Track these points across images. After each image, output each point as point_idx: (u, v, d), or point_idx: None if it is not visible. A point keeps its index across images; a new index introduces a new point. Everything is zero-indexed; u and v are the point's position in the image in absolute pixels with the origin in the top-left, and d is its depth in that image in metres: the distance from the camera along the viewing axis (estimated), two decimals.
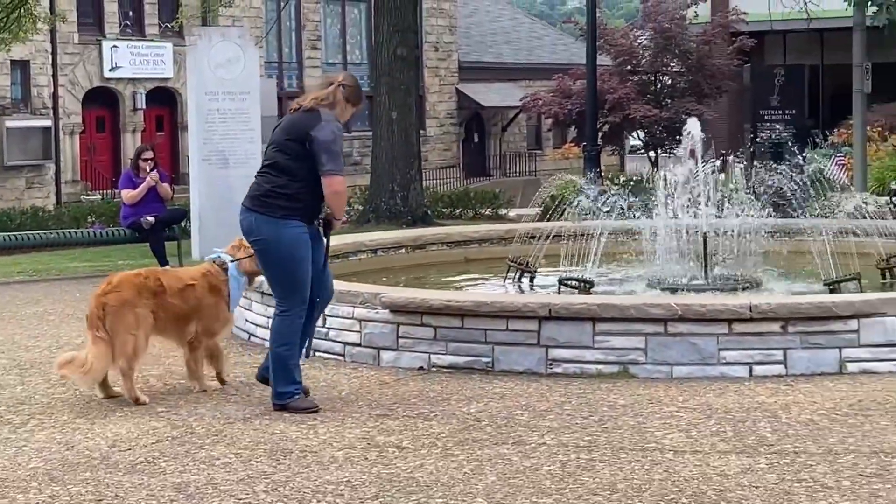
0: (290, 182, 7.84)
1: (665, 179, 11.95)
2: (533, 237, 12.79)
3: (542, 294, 11.08)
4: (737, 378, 8.55)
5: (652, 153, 34.48)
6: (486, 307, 9.00)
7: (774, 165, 13.72)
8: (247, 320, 10.52)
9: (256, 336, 10.35)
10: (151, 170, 15.85)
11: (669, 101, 34.06)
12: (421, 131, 39.95)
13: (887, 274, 11.62)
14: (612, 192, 13.07)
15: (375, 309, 9.36)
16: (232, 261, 8.61)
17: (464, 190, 27.31)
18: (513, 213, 23.26)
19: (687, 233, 11.77)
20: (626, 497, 6.07)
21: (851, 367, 8.60)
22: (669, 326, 8.64)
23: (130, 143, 35.49)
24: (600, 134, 31.80)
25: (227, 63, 17.57)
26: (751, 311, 8.58)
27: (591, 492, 6.16)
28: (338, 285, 9.84)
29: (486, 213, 23.65)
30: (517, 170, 42.94)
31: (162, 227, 15.83)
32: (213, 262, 8.70)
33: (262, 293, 10.12)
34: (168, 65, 37.95)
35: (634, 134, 36.25)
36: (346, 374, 9.00)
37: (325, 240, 8.13)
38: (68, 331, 11.30)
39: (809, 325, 8.60)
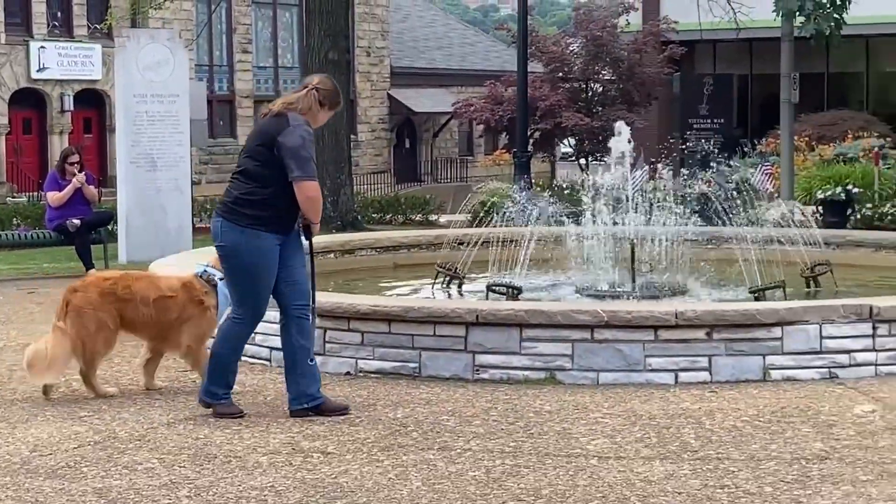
0: (258, 189, 7.70)
1: (594, 186, 12.01)
2: (462, 243, 12.81)
3: (469, 300, 11.09)
4: (662, 384, 8.60)
5: (583, 160, 34.68)
6: (414, 312, 8.99)
7: (702, 174, 13.85)
8: None
9: None
10: (79, 172, 15.69)
11: (600, 108, 34.30)
12: (352, 136, 39.90)
13: (812, 282, 11.75)
14: (544, 198, 13.13)
15: None
16: (221, 279, 8.46)
17: (394, 195, 27.27)
18: (443, 218, 23.26)
19: (615, 240, 11.84)
20: (550, 503, 6.07)
21: (775, 374, 8.67)
22: (596, 333, 8.66)
23: (58, 145, 35.14)
24: (531, 141, 31.93)
25: (155, 65, 17.46)
26: (676, 318, 8.62)
27: (516, 497, 6.16)
28: None
29: (417, 218, 23.64)
30: (448, 176, 42.99)
31: (88, 230, 15.66)
32: (200, 276, 8.58)
33: None
34: (97, 66, 37.61)
35: (565, 141, 36.46)
36: (273, 378, 8.94)
37: (305, 243, 7.99)
38: None
39: (734, 332, 8.65)
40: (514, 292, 10.51)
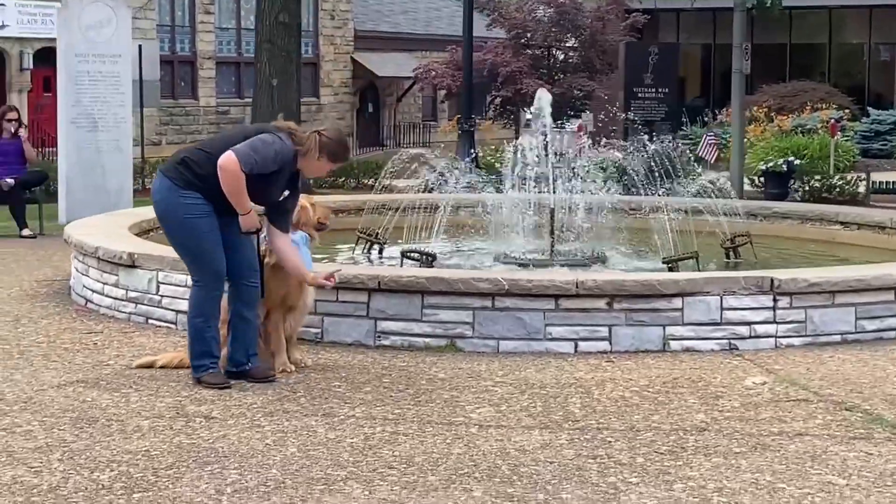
0: (207, 161, 7.47)
1: (516, 153, 12.01)
2: (391, 209, 12.77)
3: (373, 266, 11.06)
4: (562, 353, 8.59)
5: None
6: None
7: (646, 143, 13.86)
8: (84, 286, 10.37)
9: (92, 302, 10.21)
10: (16, 130, 15.64)
11: (562, 75, 34.25)
12: (314, 99, 39.71)
13: (731, 253, 11.78)
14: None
15: None
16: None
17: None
18: (402, 184, 23.17)
19: (538, 207, 11.83)
20: (420, 471, 6.06)
21: (674, 344, 8.67)
22: (497, 301, 8.63)
23: (17, 104, 34.80)
24: (492, 107, 31.87)
25: (97, 25, 17.37)
26: (577, 287, 8.60)
27: (388, 465, 6.15)
28: (172, 253, 9.75)
29: (370, 183, 23.58)
30: (411, 140, 42.83)
31: (22, 189, 15.58)
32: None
33: (99, 259, 10.00)
34: (56, 24, 37.19)
35: (527, 108, 36.39)
36: (175, 342, 8.90)
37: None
38: None
39: (634, 302, 8.63)
40: (428, 259, 10.49)
